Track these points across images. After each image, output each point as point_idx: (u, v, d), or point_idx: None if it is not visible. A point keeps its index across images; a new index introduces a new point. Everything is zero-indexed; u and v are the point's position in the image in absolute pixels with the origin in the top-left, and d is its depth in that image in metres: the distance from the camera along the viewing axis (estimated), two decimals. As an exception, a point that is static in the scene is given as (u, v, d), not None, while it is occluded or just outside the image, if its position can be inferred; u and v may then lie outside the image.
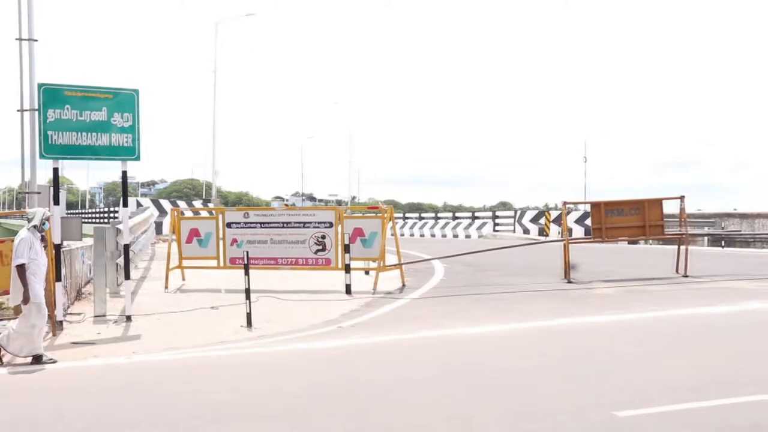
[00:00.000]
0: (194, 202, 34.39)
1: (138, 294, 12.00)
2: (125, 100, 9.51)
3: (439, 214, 42.83)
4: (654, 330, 8.56)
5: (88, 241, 12.10)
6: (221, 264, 13.19)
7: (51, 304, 8.26)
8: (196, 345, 8.04)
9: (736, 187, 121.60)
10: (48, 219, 7.96)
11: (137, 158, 9.63)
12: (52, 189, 9.62)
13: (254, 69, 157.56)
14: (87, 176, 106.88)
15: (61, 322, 8.91)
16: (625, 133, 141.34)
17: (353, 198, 79.43)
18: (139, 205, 27.64)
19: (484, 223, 36.16)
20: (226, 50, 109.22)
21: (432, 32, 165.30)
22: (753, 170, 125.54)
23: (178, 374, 6.81)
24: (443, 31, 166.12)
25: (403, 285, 13.04)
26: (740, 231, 25.38)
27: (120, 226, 10.77)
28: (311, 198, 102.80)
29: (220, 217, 13.43)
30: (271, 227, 12.99)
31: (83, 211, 63.13)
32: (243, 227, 13.09)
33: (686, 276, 13.75)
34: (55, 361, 7.18)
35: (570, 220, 28.06)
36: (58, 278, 8.78)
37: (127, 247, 9.99)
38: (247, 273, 9.54)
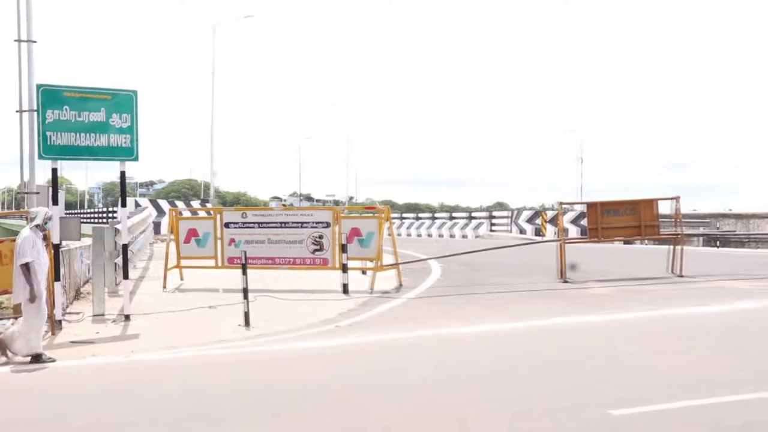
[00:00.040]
0: (192, 202, 34.47)
1: (136, 293, 12.05)
2: (123, 101, 9.55)
3: (436, 215, 42.94)
4: (649, 329, 8.64)
5: (87, 241, 12.12)
6: (219, 264, 13.23)
7: (50, 303, 8.31)
8: (195, 344, 8.07)
9: (736, 188, 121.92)
10: (50, 218, 8.02)
11: (135, 159, 9.68)
12: (50, 189, 9.66)
13: (252, 69, 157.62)
14: (86, 176, 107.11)
15: (60, 321, 8.95)
16: (625, 134, 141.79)
17: (350, 198, 79.46)
18: (137, 205, 27.64)
19: (481, 224, 36.27)
20: (225, 51, 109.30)
21: (429, 33, 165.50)
22: (752, 170, 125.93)
23: (176, 373, 6.85)
24: (441, 31, 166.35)
25: (400, 284, 13.11)
26: (735, 231, 25.50)
27: (118, 226, 10.82)
28: (309, 198, 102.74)
29: (218, 217, 13.47)
30: (268, 227, 13.04)
31: (82, 211, 63.11)
32: (241, 227, 13.14)
33: (681, 276, 13.85)
34: (54, 360, 7.22)
35: (566, 220, 28.17)
36: (57, 278, 8.82)
37: (125, 247, 10.03)
38: (244, 273, 9.59)
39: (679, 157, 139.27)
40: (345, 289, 12.06)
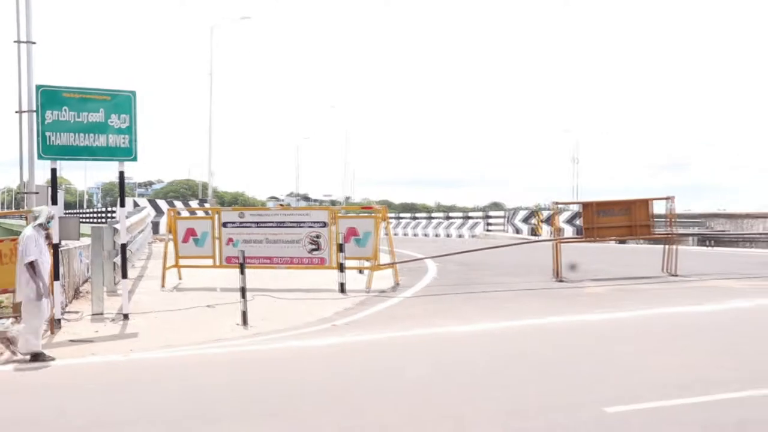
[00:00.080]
0: (191, 202, 34.45)
1: (135, 293, 12.11)
2: (122, 102, 9.60)
3: (432, 215, 43.00)
4: (643, 328, 8.72)
5: (86, 241, 12.17)
6: (217, 263, 13.29)
7: (50, 302, 8.36)
8: (193, 343, 8.13)
9: (736, 188, 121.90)
10: (53, 217, 8.08)
11: (134, 159, 9.73)
12: (50, 189, 9.69)
13: (251, 70, 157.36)
14: (85, 176, 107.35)
15: (59, 320, 9.00)
16: (626, 134, 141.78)
17: (347, 198, 79.46)
18: (136, 205, 27.69)
19: (477, 223, 36.36)
20: (223, 52, 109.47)
21: (426, 33, 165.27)
22: (752, 170, 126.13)
23: (174, 372, 6.91)
24: (438, 32, 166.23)
25: (397, 284, 13.19)
26: (727, 231, 25.64)
27: (117, 226, 10.88)
28: (306, 198, 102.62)
29: (216, 216, 13.53)
30: (266, 227, 13.10)
31: (81, 211, 63.09)
32: (239, 227, 13.20)
33: (674, 275, 13.96)
34: (53, 359, 7.26)
35: (561, 220, 28.28)
36: (56, 277, 8.86)
37: (124, 247, 10.08)
38: (242, 272, 9.66)
39: (678, 157, 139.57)
40: (342, 289, 12.14)
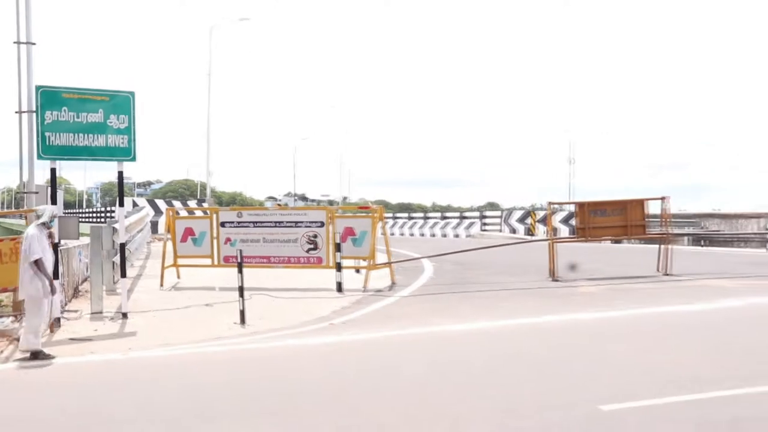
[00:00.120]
0: (189, 202, 34.52)
1: (134, 291, 12.18)
2: (121, 102, 9.65)
3: (429, 214, 43.04)
4: (636, 327, 8.81)
5: (85, 240, 12.22)
6: (215, 262, 13.36)
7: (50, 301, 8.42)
8: (191, 341, 8.18)
9: (735, 188, 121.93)
10: (56, 217, 8.14)
11: (133, 159, 9.79)
12: (49, 189, 9.73)
13: (249, 70, 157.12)
14: (84, 176, 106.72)
15: (58, 319, 9.04)
16: (625, 134, 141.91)
17: (344, 198, 79.62)
18: (135, 204, 27.76)
19: (472, 223, 36.44)
20: (222, 52, 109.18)
21: (425, 34, 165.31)
22: (751, 170, 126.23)
23: (173, 370, 6.96)
24: (437, 32, 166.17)
25: (393, 283, 13.26)
26: (721, 231, 25.77)
27: (116, 225, 10.93)
28: (303, 198, 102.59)
29: (215, 216, 13.58)
30: (264, 226, 13.17)
31: (80, 210, 63.24)
32: (236, 226, 13.27)
33: (668, 274, 14.06)
34: (53, 357, 7.31)
35: (556, 220, 28.42)
36: (56, 276, 8.91)
37: (123, 246, 10.14)
38: (240, 271, 9.73)
39: (678, 158, 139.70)
40: (339, 288, 12.21)
